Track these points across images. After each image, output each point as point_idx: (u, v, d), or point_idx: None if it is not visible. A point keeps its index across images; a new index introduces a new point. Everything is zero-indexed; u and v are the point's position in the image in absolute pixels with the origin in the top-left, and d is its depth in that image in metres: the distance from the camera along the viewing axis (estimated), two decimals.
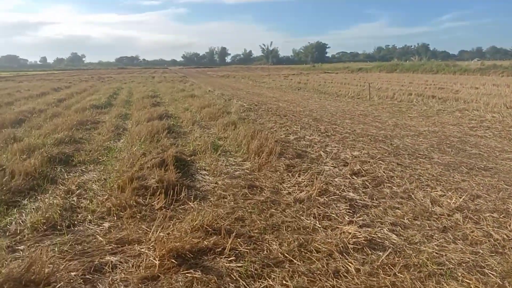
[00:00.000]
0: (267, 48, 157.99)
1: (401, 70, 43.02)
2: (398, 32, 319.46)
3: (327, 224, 3.95)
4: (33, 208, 4.33)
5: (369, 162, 6.09)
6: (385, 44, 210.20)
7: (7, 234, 3.75)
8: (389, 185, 5.08)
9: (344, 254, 3.34)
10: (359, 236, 3.58)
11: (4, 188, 4.77)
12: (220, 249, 3.40)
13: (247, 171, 5.75)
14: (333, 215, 4.15)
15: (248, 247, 3.46)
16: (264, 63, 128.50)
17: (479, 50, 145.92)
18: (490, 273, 3.03)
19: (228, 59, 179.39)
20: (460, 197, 4.52)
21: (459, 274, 3.02)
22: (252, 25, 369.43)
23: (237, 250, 3.40)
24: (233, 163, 6.20)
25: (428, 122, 10.09)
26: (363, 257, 3.30)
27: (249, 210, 4.30)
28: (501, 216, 4.07)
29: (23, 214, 4.17)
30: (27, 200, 4.63)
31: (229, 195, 4.76)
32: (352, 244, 3.46)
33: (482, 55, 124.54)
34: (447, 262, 3.19)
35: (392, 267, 3.12)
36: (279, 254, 3.34)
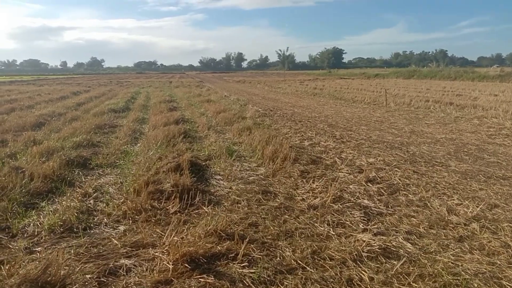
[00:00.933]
0: (283, 54, 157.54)
1: (419, 76, 42.55)
2: (416, 37, 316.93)
3: (341, 231, 3.92)
4: (51, 210, 4.41)
5: (384, 169, 6.04)
6: (402, 50, 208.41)
7: (25, 235, 3.83)
8: (404, 193, 5.02)
9: (357, 262, 3.31)
10: (373, 244, 3.55)
11: (23, 190, 4.88)
12: (233, 255, 3.41)
13: (261, 177, 5.76)
14: (347, 222, 4.13)
15: (261, 253, 3.46)
16: (280, 68, 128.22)
17: (498, 56, 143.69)
18: (507, 284, 2.97)
19: (244, 64, 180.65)
20: (477, 206, 4.44)
21: (475, 285, 2.96)
22: (269, 30, 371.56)
23: (250, 256, 3.41)
24: (248, 168, 6.22)
25: (445, 129, 9.95)
26: (377, 265, 3.27)
27: (262, 216, 4.30)
28: None
29: (41, 216, 4.26)
30: (45, 202, 4.72)
31: (243, 201, 4.77)
32: (366, 252, 3.43)
33: (502, 62, 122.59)
34: (463, 273, 3.13)
35: (406, 276, 3.08)
36: (292, 261, 3.33)
